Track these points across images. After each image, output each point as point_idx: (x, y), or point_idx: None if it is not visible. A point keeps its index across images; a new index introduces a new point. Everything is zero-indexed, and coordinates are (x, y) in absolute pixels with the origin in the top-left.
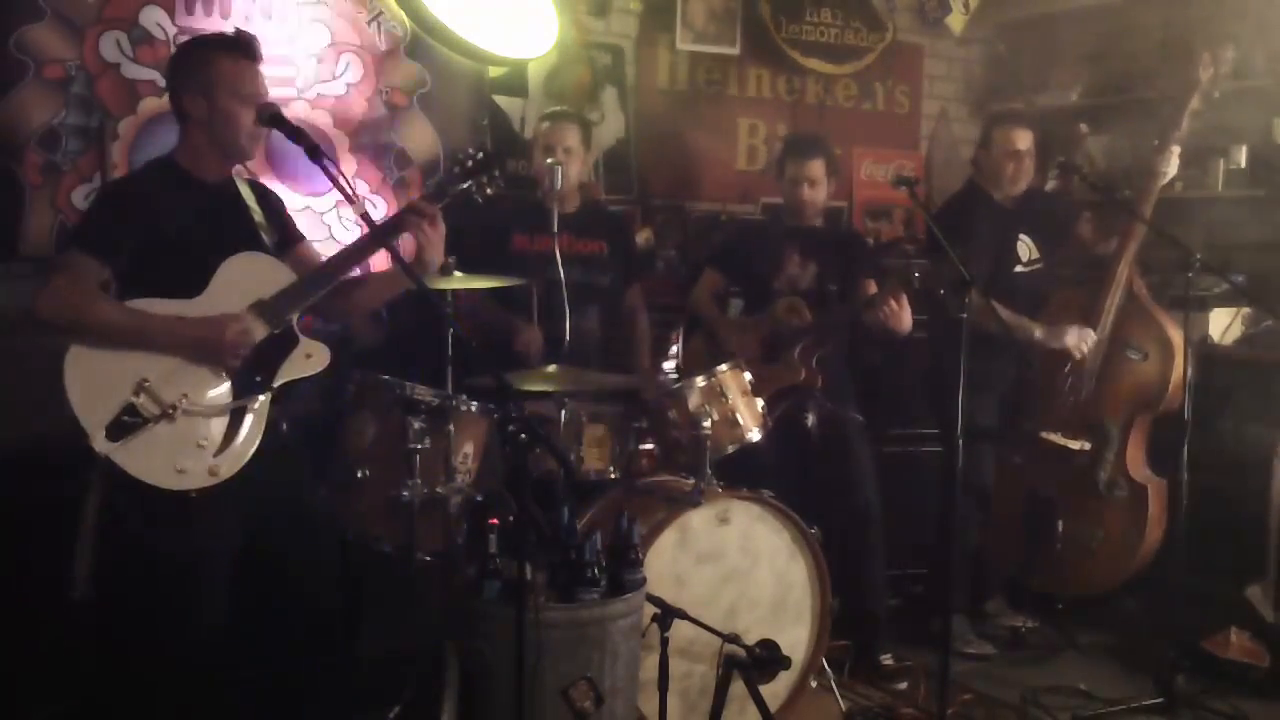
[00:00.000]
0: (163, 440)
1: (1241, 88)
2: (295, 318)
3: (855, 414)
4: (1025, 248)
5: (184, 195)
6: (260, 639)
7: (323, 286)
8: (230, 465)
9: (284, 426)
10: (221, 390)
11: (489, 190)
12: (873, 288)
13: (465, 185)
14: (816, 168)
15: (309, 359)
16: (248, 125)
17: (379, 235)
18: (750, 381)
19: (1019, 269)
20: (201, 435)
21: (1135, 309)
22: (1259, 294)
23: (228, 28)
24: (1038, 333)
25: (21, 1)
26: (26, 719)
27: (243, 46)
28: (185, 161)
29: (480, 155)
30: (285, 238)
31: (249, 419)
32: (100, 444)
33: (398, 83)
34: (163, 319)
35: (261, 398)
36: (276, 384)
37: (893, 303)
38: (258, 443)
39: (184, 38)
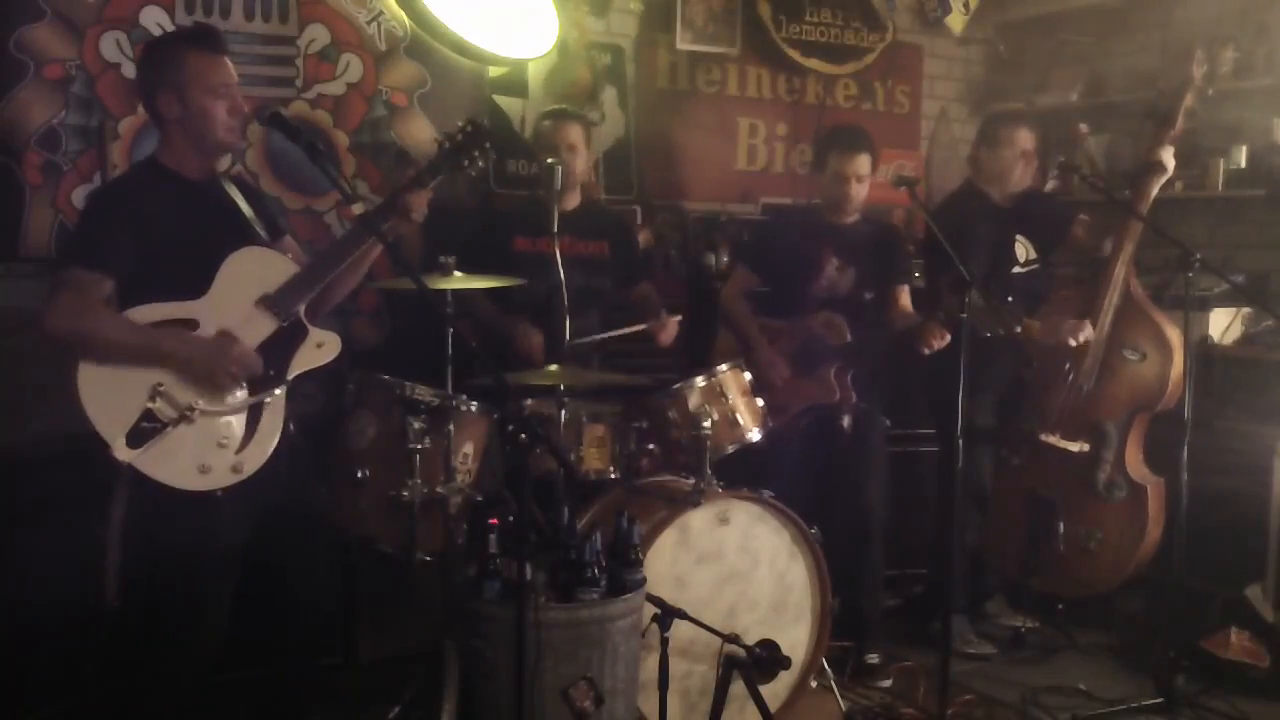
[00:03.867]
0: (184, 442)
1: (1241, 88)
2: (302, 309)
3: (883, 417)
4: (1022, 248)
5: (173, 195)
6: (261, 639)
7: (326, 275)
8: (254, 461)
9: (291, 426)
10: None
11: (480, 164)
12: (905, 296)
13: (456, 162)
14: (864, 163)
15: (320, 348)
16: (223, 119)
17: (378, 218)
18: (751, 382)
19: (1016, 269)
20: (222, 434)
21: (1133, 309)
22: (1259, 294)
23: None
24: (1033, 333)
25: (21, 1)
26: (26, 719)
27: (207, 39)
28: (169, 161)
29: (469, 128)
30: (271, 232)
31: (267, 414)
32: (122, 452)
33: (398, 83)
34: (167, 337)
35: (277, 391)
36: (291, 376)
37: (935, 342)
38: (278, 436)
39: None
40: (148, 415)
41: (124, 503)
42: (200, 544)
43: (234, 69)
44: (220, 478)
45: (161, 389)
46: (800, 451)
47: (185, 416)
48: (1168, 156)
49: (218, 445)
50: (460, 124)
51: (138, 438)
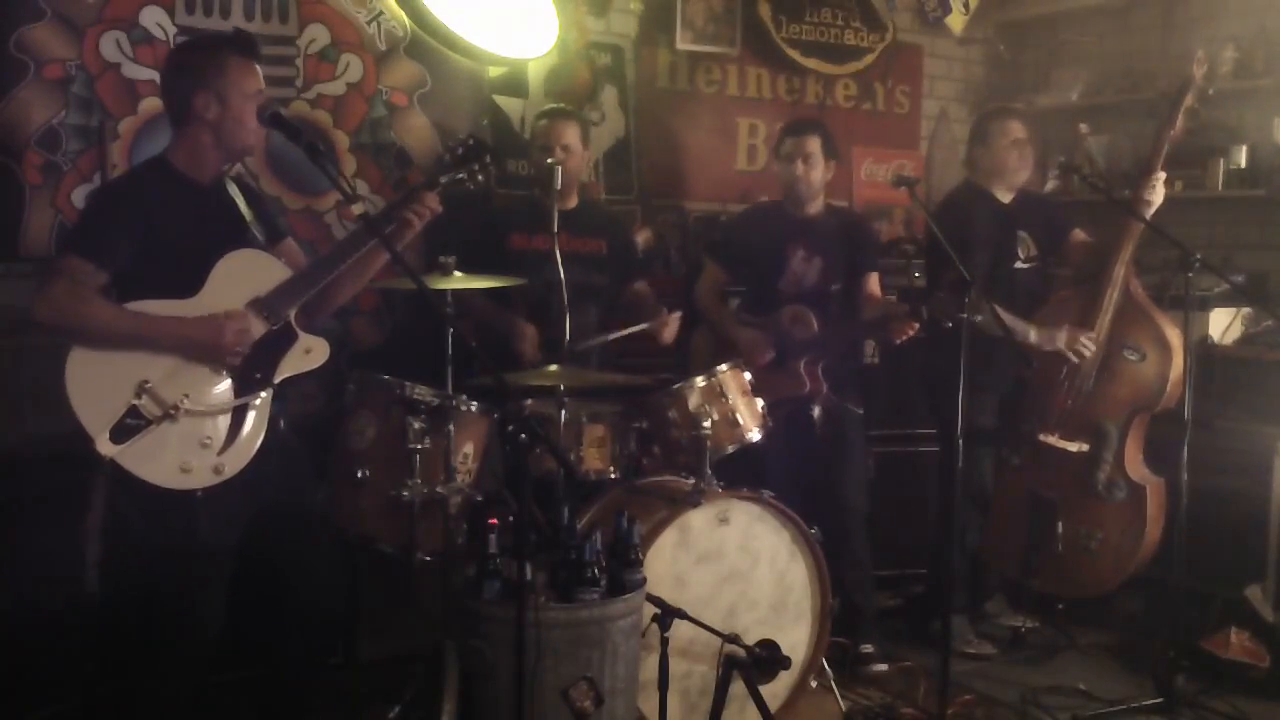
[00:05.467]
0: (166, 440)
1: (1241, 88)
2: (293, 313)
3: (855, 407)
4: (1024, 245)
5: (178, 196)
6: (260, 639)
7: (319, 281)
8: (235, 462)
9: (282, 424)
10: (223, 389)
11: (480, 178)
12: (874, 283)
13: (456, 174)
14: (811, 143)
15: (308, 354)
16: (253, 124)
17: (374, 228)
18: (750, 381)
19: (1018, 265)
20: (205, 434)
21: (1132, 309)
22: (1259, 294)
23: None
24: (1032, 335)
25: (21, 1)
26: (27, 719)
27: (247, 46)
28: (179, 162)
29: (471, 143)
30: (271, 234)
31: (251, 416)
32: (105, 447)
33: (398, 83)
34: (162, 320)
35: (263, 394)
36: (277, 380)
37: (908, 331)
38: (261, 439)
39: (184, 38)
40: (132, 412)
41: (103, 496)
42: (180, 542)
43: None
44: (201, 478)
45: (148, 386)
46: (776, 447)
47: (169, 414)
48: (1157, 189)
49: (200, 445)
50: (462, 138)
51: (121, 433)
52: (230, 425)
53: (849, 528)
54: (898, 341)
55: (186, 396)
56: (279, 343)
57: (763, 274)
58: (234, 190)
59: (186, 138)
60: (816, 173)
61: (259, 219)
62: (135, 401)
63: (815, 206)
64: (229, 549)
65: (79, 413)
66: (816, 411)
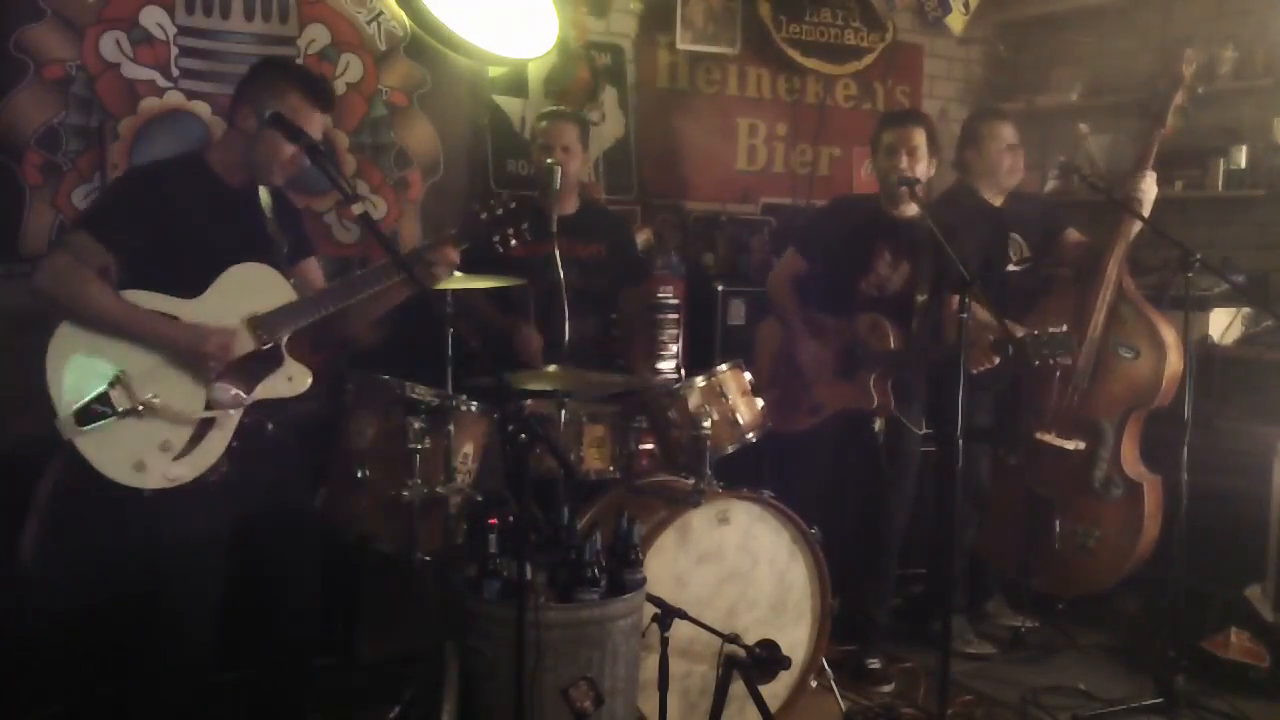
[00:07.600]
0: (126, 435)
1: (1241, 88)
2: (285, 337)
3: (915, 427)
4: (1016, 246)
5: (205, 195)
6: (259, 640)
7: (321, 311)
8: (188, 472)
9: (270, 427)
10: (195, 397)
11: (513, 242)
12: (955, 303)
13: (492, 235)
14: (916, 135)
15: (289, 382)
16: (283, 162)
17: (390, 270)
18: (751, 381)
19: (1011, 267)
20: (165, 438)
21: (1126, 307)
22: (1259, 294)
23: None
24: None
25: (21, 1)
26: (25, 719)
27: (318, 92)
28: (216, 162)
29: (513, 206)
30: (297, 248)
31: (214, 431)
32: (67, 427)
33: (398, 83)
34: (150, 316)
35: (233, 412)
36: (251, 400)
37: (986, 364)
38: (218, 455)
39: (184, 38)
40: (102, 398)
41: (55, 475)
42: (135, 539)
43: (323, 126)
44: (152, 479)
45: (123, 376)
46: (828, 451)
47: (136, 410)
48: (1148, 187)
49: (159, 447)
50: (505, 198)
51: (86, 417)
52: (193, 435)
53: (886, 544)
54: (975, 371)
55: (156, 397)
56: (264, 364)
57: (845, 270)
58: (265, 199)
59: (226, 140)
60: (921, 167)
61: (285, 232)
62: (107, 389)
63: (913, 208)
64: (209, 550)
65: (51, 386)
66: (878, 424)
